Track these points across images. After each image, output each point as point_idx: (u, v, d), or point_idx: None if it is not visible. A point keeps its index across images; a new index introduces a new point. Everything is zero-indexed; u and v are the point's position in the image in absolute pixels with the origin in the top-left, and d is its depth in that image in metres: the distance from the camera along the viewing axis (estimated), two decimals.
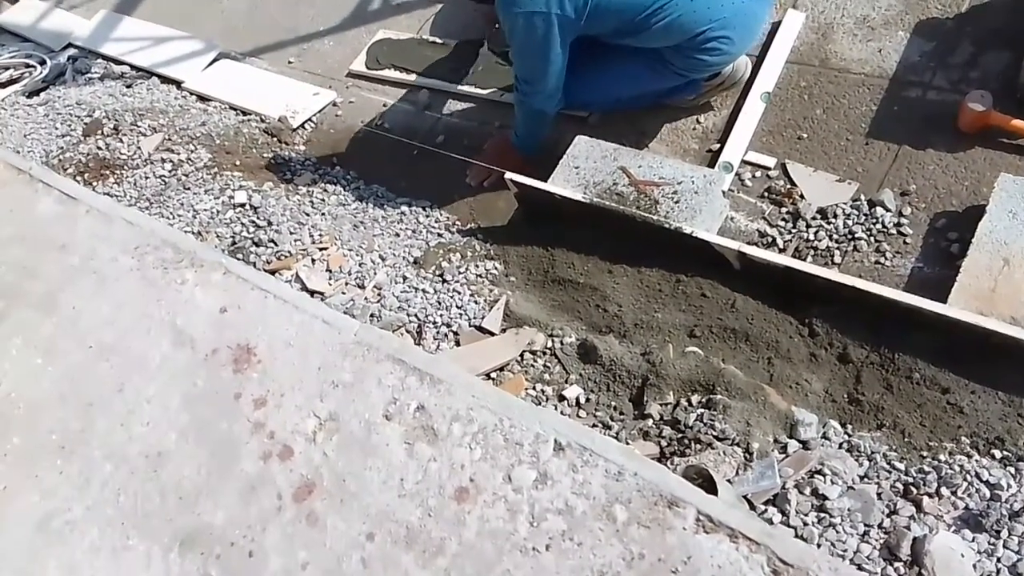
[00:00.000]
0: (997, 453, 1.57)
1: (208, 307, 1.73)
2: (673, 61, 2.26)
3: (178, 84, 3.34)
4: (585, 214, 2.17)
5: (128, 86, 3.35)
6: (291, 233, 2.41)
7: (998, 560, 1.39)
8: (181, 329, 1.71)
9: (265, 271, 2.22)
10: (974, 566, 1.37)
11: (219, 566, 1.41)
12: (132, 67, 3.49)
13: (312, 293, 2.20)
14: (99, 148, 2.89)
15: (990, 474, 1.51)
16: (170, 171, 2.76)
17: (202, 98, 3.24)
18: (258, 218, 2.48)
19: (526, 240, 2.28)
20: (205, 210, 2.55)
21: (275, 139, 2.94)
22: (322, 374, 1.54)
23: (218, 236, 2.46)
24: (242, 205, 2.53)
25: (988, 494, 1.48)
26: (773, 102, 2.43)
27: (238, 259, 2.07)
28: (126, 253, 1.88)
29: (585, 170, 2.28)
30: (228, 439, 1.54)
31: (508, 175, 2.26)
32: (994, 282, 1.82)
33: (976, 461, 1.55)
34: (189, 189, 2.65)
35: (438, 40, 3.06)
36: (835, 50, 2.47)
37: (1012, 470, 1.53)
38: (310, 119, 3.01)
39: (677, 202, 2.13)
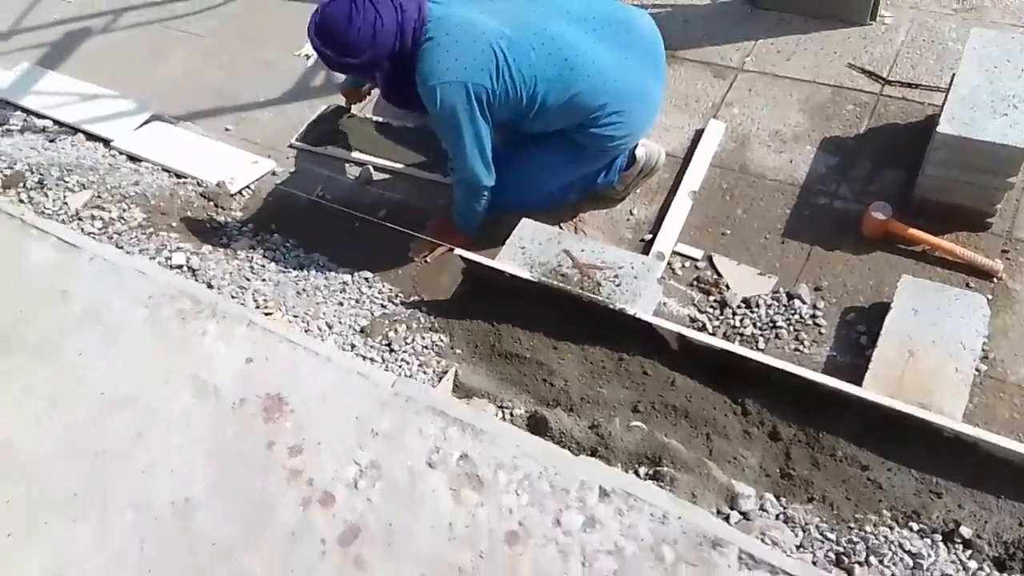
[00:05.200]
0: (914, 525, 1.73)
1: (233, 358, 1.67)
2: (582, 142, 2.44)
3: (106, 142, 3.27)
4: (531, 292, 2.27)
5: (51, 140, 3.25)
6: (233, 297, 2.38)
7: None
8: (204, 380, 1.65)
9: None
10: None
11: None
12: (56, 122, 3.40)
13: None
14: (21, 201, 2.78)
15: (911, 544, 1.66)
16: (100, 228, 2.68)
17: (133, 158, 3.18)
18: (197, 280, 2.44)
19: (471, 315, 2.35)
20: None
21: (212, 203, 2.92)
22: (360, 424, 1.52)
23: None
24: (180, 267, 2.49)
25: (911, 563, 1.62)
26: (699, 200, 2.65)
27: None
28: (138, 304, 1.81)
29: (530, 251, 2.39)
30: (263, 487, 1.48)
31: (458, 251, 2.34)
32: (902, 371, 2.03)
33: (898, 532, 1.70)
34: (123, 248, 2.58)
35: (380, 119, 3.16)
36: (752, 158, 2.74)
37: (928, 541, 1.69)
38: (248, 186, 3.01)
39: (618, 285, 2.27)
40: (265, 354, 1.67)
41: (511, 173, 2.48)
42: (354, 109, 3.18)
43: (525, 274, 2.26)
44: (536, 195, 2.59)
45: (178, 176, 3.06)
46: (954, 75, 2.47)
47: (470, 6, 2.33)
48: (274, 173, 3.06)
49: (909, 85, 2.78)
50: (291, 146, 3.15)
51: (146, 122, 3.34)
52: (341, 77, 3.19)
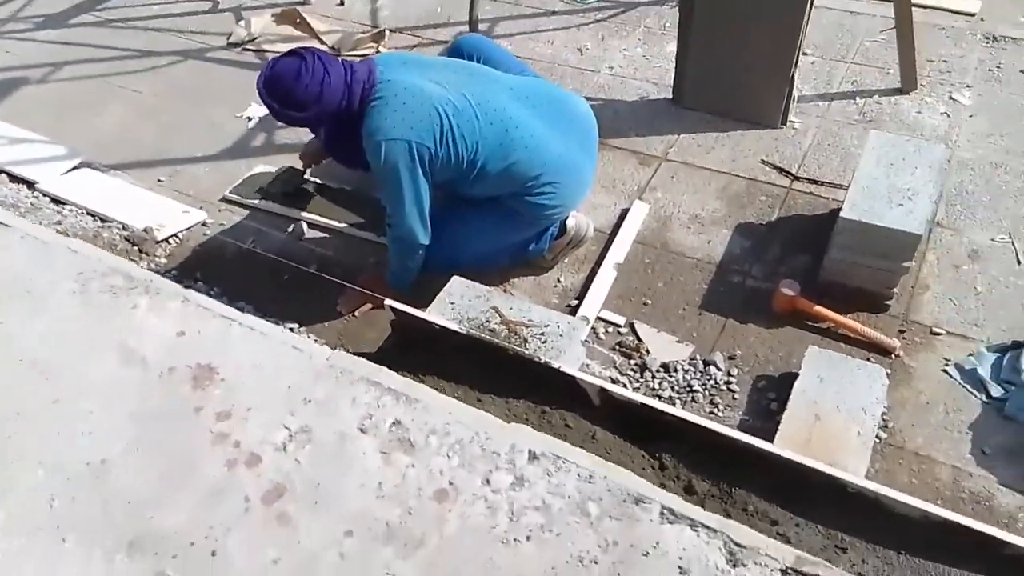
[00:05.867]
0: None
1: (163, 331, 1.64)
2: (517, 208, 2.55)
3: (30, 184, 3.21)
4: (458, 346, 2.30)
5: None
6: None
7: None
8: (132, 349, 1.60)
9: None
10: None
11: (175, 566, 1.29)
12: None
13: None
14: None
15: None
16: None
17: (57, 201, 3.12)
18: None
19: (398, 366, 2.34)
20: None
21: (136, 248, 2.88)
22: (292, 392, 1.50)
23: None
24: None
25: None
26: (623, 272, 2.77)
27: None
28: (67, 278, 1.76)
29: (460, 307, 2.43)
30: (186, 449, 1.44)
31: (388, 301, 2.37)
32: (809, 433, 2.12)
33: None
34: None
35: (318, 180, 3.21)
36: (673, 237, 2.89)
37: None
38: (176, 235, 2.99)
39: (544, 342, 2.32)
40: (198, 328, 1.65)
41: (446, 234, 2.55)
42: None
43: (454, 326, 2.29)
44: (468, 257, 2.65)
45: (103, 220, 3.01)
46: (855, 171, 2.71)
47: (418, 74, 2.45)
48: (204, 224, 3.05)
49: (815, 182, 3.03)
50: (223, 199, 3.16)
51: (75, 168, 3.30)
52: (287, 136, 3.25)
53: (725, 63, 3.16)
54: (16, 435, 1.51)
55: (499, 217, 2.56)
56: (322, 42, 4.02)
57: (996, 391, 2.32)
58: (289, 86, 2.34)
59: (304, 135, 3.45)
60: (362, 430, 1.47)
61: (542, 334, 2.35)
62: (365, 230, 2.96)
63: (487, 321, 2.38)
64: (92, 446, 1.48)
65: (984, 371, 2.37)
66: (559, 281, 2.77)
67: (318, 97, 2.33)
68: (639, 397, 2.11)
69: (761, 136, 3.24)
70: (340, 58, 2.48)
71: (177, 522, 1.36)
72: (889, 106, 3.35)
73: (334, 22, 4.23)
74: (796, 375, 2.31)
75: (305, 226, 3.00)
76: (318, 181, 3.19)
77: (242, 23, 4.19)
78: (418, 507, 1.35)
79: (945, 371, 2.40)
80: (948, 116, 3.29)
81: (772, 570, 1.23)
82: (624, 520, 1.31)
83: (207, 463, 1.44)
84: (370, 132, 2.31)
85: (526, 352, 2.22)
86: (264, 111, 3.59)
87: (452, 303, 2.45)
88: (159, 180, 3.30)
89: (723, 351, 2.48)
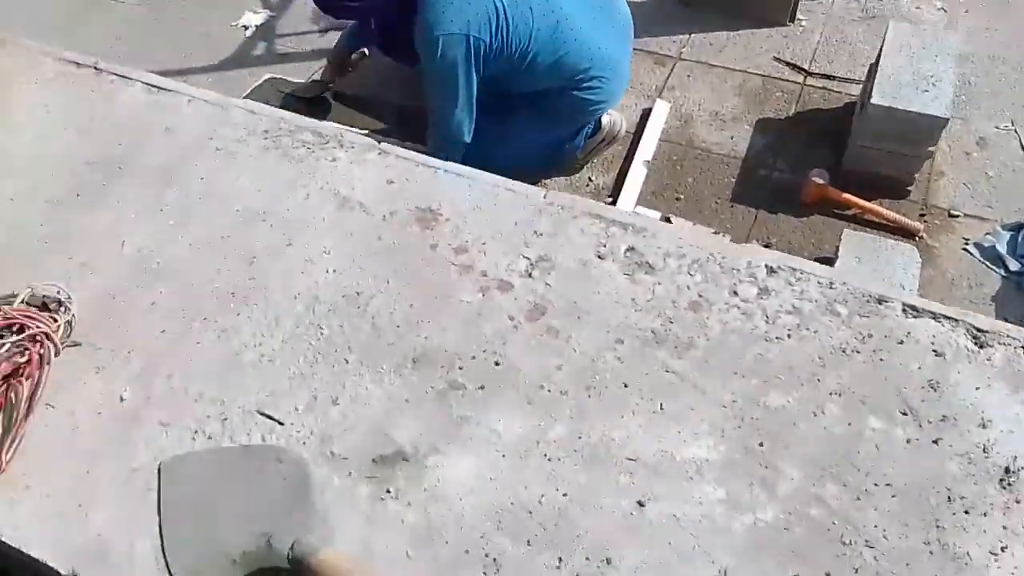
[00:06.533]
0: None
1: (372, 179, 1.64)
2: (561, 103, 2.55)
3: None
4: None
5: None
6: None
7: None
8: (346, 196, 1.60)
9: None
10: None
11: (465, 375, 1.35)
12: None
13: None
14: None
15: None
16: None
17: None
18: None
19: None
20: None
21: None
22: (520, 227, 1.53)
23: None
24: None
25: None
26: (652, 170, 2.82)
27: None
28: (255, 135, 1.72)
29: None
30: (434, 279, 1.47)
31: None
32: None
33: None
34: None
35: (333, 87, 3.13)
36: (696, 134, 2.95)
37: None
38: None
39: None
40: (405, 176, 1.65)
41: (485, 133, 2.54)
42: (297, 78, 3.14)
43: None
44: (505, 156, 2.64)
45: None
46: (871, 65, 2.79)
47: None
48: None
49: (828, 77, 3.10)
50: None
51: None
52: (289, 45, 3.15)
53: None
54: (259, 277, 1.51)
55: (540, 114, 2.56)
56: None
57: (1014, 265, 2.47)
58: None
59: (306, 43, 3.37)
60: (599, 256, 1.51)
61: None
62: (390, 136, 2.92)
63: None
64: (342, 281, 1.50)
65: (1001, 247, 2.52)
66: (591, 180, 2.81)
67: None
68: None
69: (770, 34, 3.28)
70: None
71: (451, 340, 1.41)
72: (888, 3, 3.42)
73: None
74: (829, 259, 2.42)
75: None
76: (332, 88, 3.12)
77: None
78: (677, 316, 1.42)
79: (966, 249, 2.55)
80: (945, 12, 3.38)
81: (1015, 348, 1.35)
82: (872, 317, 1.40)
83: (460, 290, 1.47)
84: (427, 25, 2.25)
85: None
86: (261, 19, 3.47)
87: None
88: None
89: (758, 240, 2.58)
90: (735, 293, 1.45)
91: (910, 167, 2.62)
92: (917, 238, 2.56)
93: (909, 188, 2.68)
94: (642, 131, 2.92)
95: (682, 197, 2.73)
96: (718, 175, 2.80)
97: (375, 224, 1.57)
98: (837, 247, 2.42)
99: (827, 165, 2.76)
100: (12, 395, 1.32)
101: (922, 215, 2.64)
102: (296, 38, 3.39)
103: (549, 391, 1.34)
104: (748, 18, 3.32)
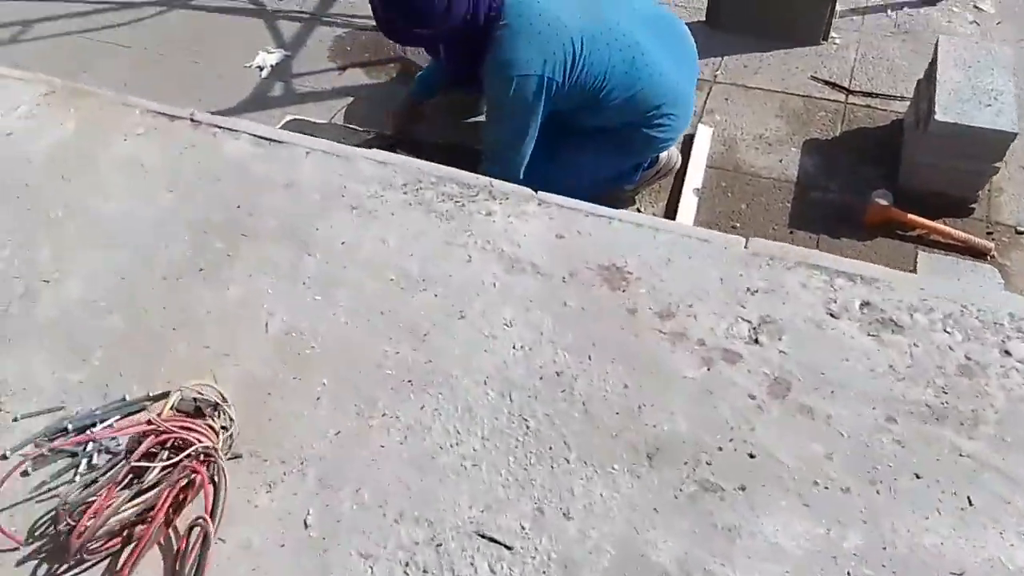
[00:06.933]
0: None
1: (537, 234, 1.44)
2: (629, 139, 2.42)
3: None
4: None
5: None
6: None
7: None
8: (513, 256, 1.41)
9: None
10: None
11: (716, 472, 1.15)
12: None
13: None
14: None
15: None
16: None
17: None
18: None
19: None
20: None
21: None
22: (727, 284, 1.34)
23: None
24: None
25: None
26: (703, 198, 2.70)
27: None
28: (392, 189, 1.54)
29: None
30: (643, 351, 1.27)
31: None
32: None
33: None
34: None
35: (354, 127, 3.01)
36: (743, 158, 2.84)
37: None
38: None
39: None
40: (575, 228, 1.46)
41: (539, 161, 2.40)
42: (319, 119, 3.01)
43: None
44: (556, 187, 2.53)
45: None
46: (919, 81, 2.71)
47: None
48: None
49: (870, 94, 3.01)
50: None
51: None
52: (309, 84, 3.02)
53: None
54: (435, 358, 1.32)
55: (603, 149, 2.42)
56: None
57: None
58: None
59: (324, 82, 3.24)
60: (832, 314, 1.32)
61: None
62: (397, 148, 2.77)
63: None
64: (535, 359, 1.30)
65: None
66: (639, 211, 2.68)
67: (446, 10, 2.07)
68: None
69: (805, 53, 3.20)
70: None
71: (685, 427, 1.21)
72: (920, 17, 3.36)
73: None
74: None
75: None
76: (354, 127, 2.98)
77: None
78: (950, 384, 1.24)
79: None
80: (977, 24, 3.32)
81: None
82: None
83: (679, 364, 1.27)
84: (501, 64, 2.13)
85: None
86: (276, 58, 3.34)
87: None
88: None
89: None
90: (1007, 352, 1.26)
91: (974, 184, 2.53)
92: (988, 257, 2.46)
93: (972, 206, 2.58)
94: (687, 158, 2.81)
95: (738, 225, 2.61)
96: (771, 200, 2.69)
97: (555, 288, 1.38)
98: (911, 270, 2.31)
99: (881, 185, 2.66)
100: (193, 534, 1.08)
101: (989, 233, 2.54)
102: (314, 77, 3.26)
103: (827, 488, 1.14)
104: (779, 38, 3.24)
